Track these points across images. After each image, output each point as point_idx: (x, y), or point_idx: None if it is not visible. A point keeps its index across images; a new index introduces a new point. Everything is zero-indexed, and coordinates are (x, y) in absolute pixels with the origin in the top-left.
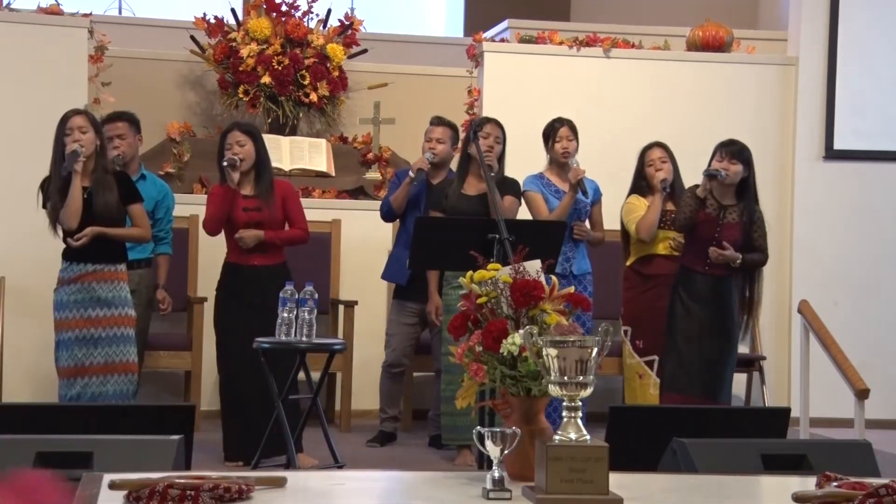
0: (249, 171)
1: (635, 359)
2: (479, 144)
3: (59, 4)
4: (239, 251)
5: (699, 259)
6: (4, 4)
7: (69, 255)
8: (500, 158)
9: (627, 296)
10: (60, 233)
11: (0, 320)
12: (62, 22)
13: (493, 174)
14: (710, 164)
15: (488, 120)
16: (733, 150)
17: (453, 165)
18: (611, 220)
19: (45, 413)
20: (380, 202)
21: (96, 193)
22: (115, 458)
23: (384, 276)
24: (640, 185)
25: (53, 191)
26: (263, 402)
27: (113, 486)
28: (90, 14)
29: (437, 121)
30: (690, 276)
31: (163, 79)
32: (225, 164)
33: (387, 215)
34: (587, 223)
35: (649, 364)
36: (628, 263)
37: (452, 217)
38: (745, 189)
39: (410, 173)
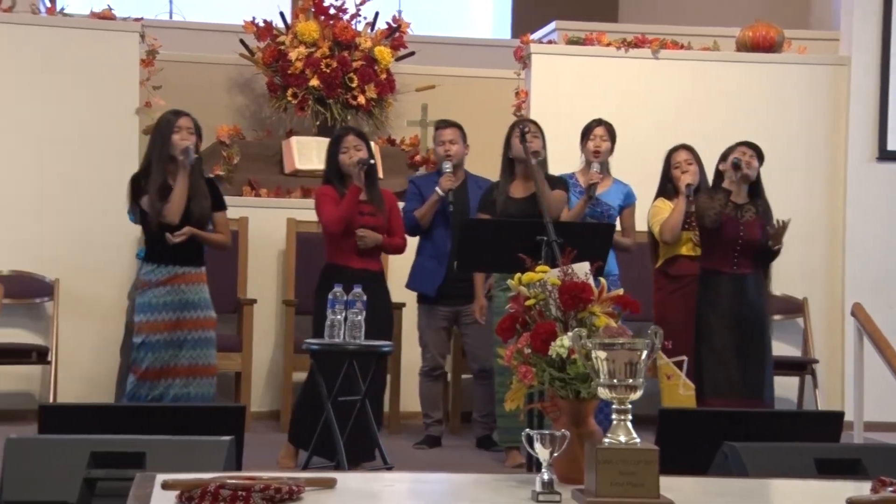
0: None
1: (664, 360)
2: (524, 140)
3: (111, 9)
4: (345, 253)
5: (725, 260)
6: (58, 10)
7: (156, 258)
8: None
9: (657, 297)
10: (125, 238)
11: (54, 322)
12: (114, 27)
13: (540, 159)
14: (722, 160)
15: (521, 120)
16: (753, 147)
17: (472, 168)
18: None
19: (98, 413)
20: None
21: (194, 197)
22: (168, 458)
23: (410, 286)
24: (667, 187)
25: (153, 187)
26: (343, 404)
27: (166, 486)
28: (141, 19)
29: (444, 123)
30: (716, 278)
31: (212, 82)
32: (371, 161)
33: (413, 230)
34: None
35: (678, 364)
36: (657, 266)
37: (500, 219)
38: (758, 186)
39: (439, 191)
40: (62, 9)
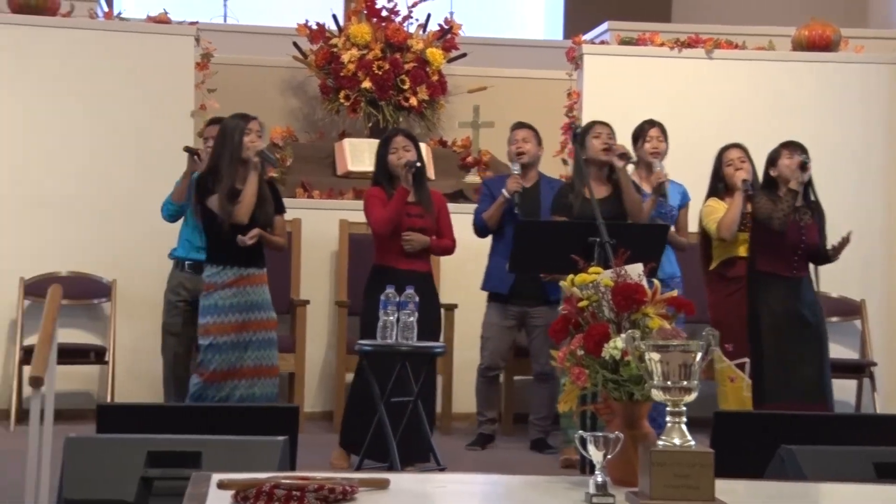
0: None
1: (725, 362)
2: (628, 159)
3: (166, 13)
4: (394, 255)
5: (784, 264)
6: (115, 14)
7: (221, 260)
8: None
9: (712, 300)
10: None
11: (112, 322)
12: (170, 31)
13: (633, 159)
14: (771, 165)
15: (595, 122)
16: (803, 149)
17: (549, 170)
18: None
19: (154, 413)
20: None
21: (260, 200)
22: (223, 457)
23: (485, 287)
24: (718, 187)
25: (222, 189)
26: (400, 405)
27: (221, 485)
28: (196, 22)
29: (519, 125)
30: (775, 281)
31: (266, 85)
32: (417, 163)
33: (481, 231)
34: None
35: (740, 367)
36: (711, 267)
37: (553, 221)
38: (809, 189)
39: (505, 193)
40: (119, 13)
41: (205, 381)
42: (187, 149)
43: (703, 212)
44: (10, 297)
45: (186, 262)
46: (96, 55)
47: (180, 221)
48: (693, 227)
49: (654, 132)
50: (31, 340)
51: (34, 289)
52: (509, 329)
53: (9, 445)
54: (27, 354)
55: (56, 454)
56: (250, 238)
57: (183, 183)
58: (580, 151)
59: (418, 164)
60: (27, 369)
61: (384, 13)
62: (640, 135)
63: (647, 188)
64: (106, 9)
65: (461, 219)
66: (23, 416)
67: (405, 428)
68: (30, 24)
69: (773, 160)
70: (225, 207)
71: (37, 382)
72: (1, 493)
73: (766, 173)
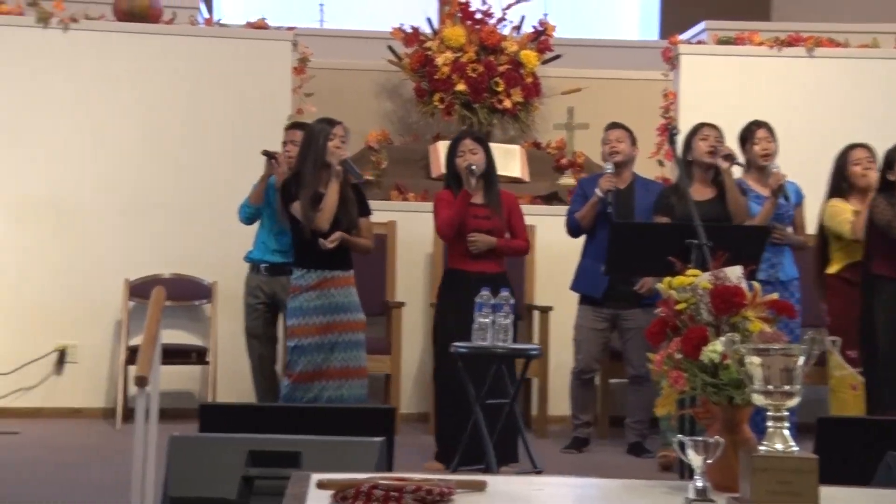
0: (479, 179)
1: (847, 370)
2: (733, 161)
3: (265, 19)
4: (464, 257)
5: None
6: (215, 21)
7: (306, 262)
8: None
9: (833, 304)
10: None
11: (213, 323)
12: (268, 36)
13: (739, 161)
14: (888, 168)
15: (703, 124)
16: None
17: (644, 172)
18: (813, 225)
19: (255, 413)
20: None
21: (342, 204)
22: (321, 458)
23: (575, 288)
24: (841, 186)
25: (305, 194)
26: (489, 407)
27: (321, 485)
28: (294, 28)
29: (613, 125)
30: (891, 285)
31: (362, 88)
32: (473, 167)
33: (574, 231)
34: (789, 227)
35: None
36: (833, 271)
37: (649, 222)
38: None
39: (598, 192)
40: (219, 20)
41: (293, 383)
42: (265, 152)
43: (826, 212)
44: (116, 299)
45: (262, 265)
46: (196, 61)
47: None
48: (813, 227)
49: (761, 133)
50: (135, 341)
51: (138, 290)
52: (601, 332)
53: (115, 443)
54: (132, 354)
55: (160, 452)
56: (330, 242)
57: (259, 186)
58: (685, 153)
59: (472, 168)
60: (132, 369)
61: (478, 16)
62: (748, 137)
63: (763, 191)
64: (206, 15)
65: (556, 221)
66: (128, 414)
67: (497, 430)
68: (134, 31)
69: (890, 162)
70: (307, 213)
71: (142, 382)
72: (108, 489)
73: (884, 176)
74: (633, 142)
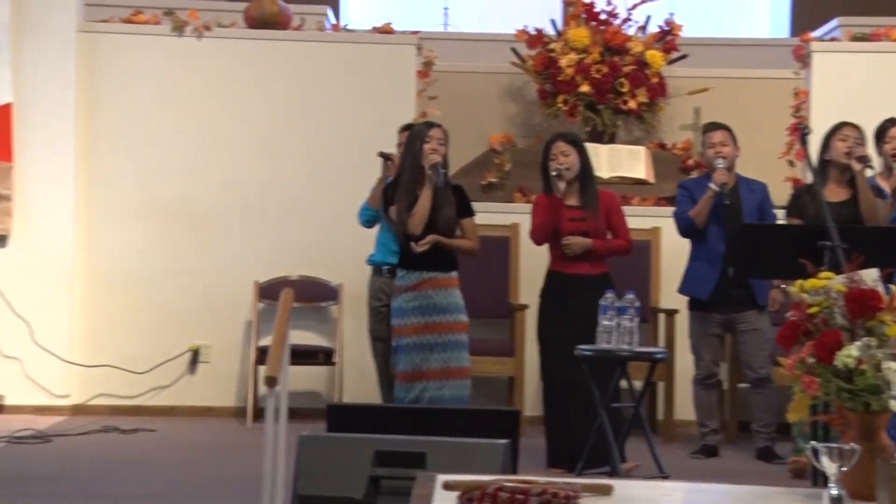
0: (574, 181)
1: None
2: (866, 162)
3: (390, 24)
4: (563, 260)
5: None
6: (342, 26)
7: (406, 264)
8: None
9: None
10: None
11: (339, 325)
12: (393, 40)
13: (870, 162)
14: None
15: (844, 123)
16: None
17: (749, 171)
18: None
19: (381, 414)
20: None
21: (439, 206)
22: (447, 459)
23: (682, 291)
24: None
25: (401, 197)
26: (586, 410)
27: (447, 486)
28: (418, 32)
29: (713, 126)
30: None
31: (485, 91)
32: (553, 174)
33: (687, 231)
34: None
35: None
36: None
37: (779, 224)
38: None
39: (713, 186)
40: (346, 25)
41: (398, 382)
42: (381, 154)
43: None
44: (246, 300)
45: (384, 267)
46: (323, 66)
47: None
48: None
49: (894, 131)
50: (265, 341)
51: (267, 292)
52: (715, 336)
53: (246, 441)
54: (262, 354)
55: (289, 450)
56: (420, 246)
57: (378, 188)
58: (823, 152)
59: (553, 174)
60: (262, 369)
61: (603, 16)
62: (881, 135)
63: (888, 189)
64: (334, 21)
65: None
66: (258, 413)
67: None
68: (264, 37)
69: None
70: (401, 216)
71: (272, 382)
72: (240, 486)
73: None
74: (735, 141)
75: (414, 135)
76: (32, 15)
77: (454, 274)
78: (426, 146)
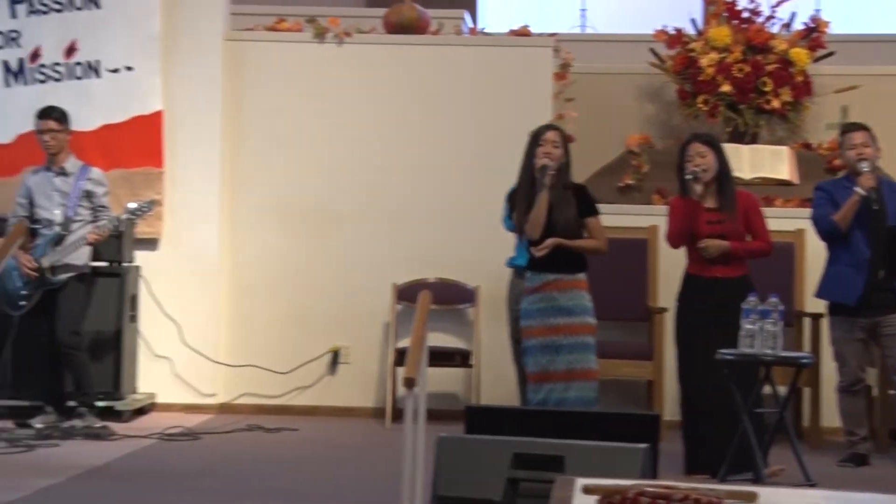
0: (711, 182)
1: None
2: None
3: (527, 26)
4: (701, 262)
5: None
6: (479, 29)
7: (532, 266)
8: None
9: None
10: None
11: (476, 327)
12: (529, 43)
13: None
14: None
15: None
16: None
17: None
18: None
19: (518, 416)
20: None
21: (557, 208)
22: (585, 462)
23: (823, 295)
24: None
25: (520, 202)
26: (726, 415)
27: (587, 490)
28: (555, 34)
29: (853, 126)
30: None
31: (622, 92)
32: (688, 176)
33: (830, 235)
34: None
35: None
36: None
37: None
38: None
39: (860, 191)
40: (482, 28)
41: (529, 384)
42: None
43: None
44: (385, 302)
45: (523, 270)
46: (460, 69)
47: None
48: None
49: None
50: (403, 343)
51: (405, 294)
52: (860, 341)
53: (385, 442)
54: (400, 356)
55: (428, 452)
56: (539, 251)
57: None
58: None
59: (688, 176)
60: (400, 370)
61: (745, 14)
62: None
63: None
64: (471, 25)
65: None
66: (397, 414)
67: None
68: (402, 42)
69: None
70: (520, 220)
71: (410, 383)
72: (379, 486)
73: None
74: (876, 142)
75: (531, 138)
76: (181, 26)
77: (581, 276)
78: (539, 149)
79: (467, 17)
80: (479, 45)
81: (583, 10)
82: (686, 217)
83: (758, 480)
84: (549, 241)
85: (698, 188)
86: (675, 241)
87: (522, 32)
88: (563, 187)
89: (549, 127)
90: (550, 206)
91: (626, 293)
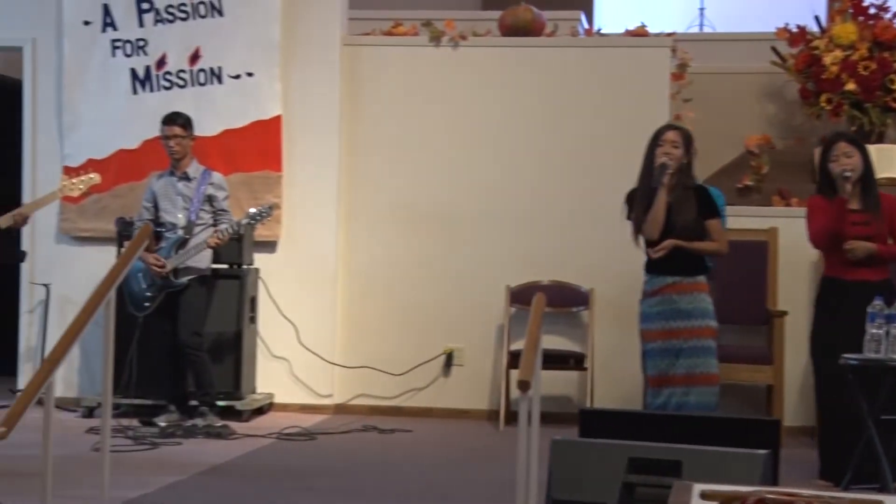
0: (856, 183)
1: None
2: None
3: (644, 26)
4: (842, 265)
5: None
6: (595, 30)
7: (651, 268)
8: None
9: None
10: (642, 244)
11: (590, 330)
12: (646, 43)
13: None
14: None
15: None
16: None
17: None
18: None
19: (633, 420)
20: None
21: (676, 209)
22: (703, 468)
23: None
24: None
25: (638, 202)
26: (858, 422)
27: (704, 496)
28: (673, 33)
29: None
30: None
31: (742, 92)
32: (847, 174)
33: None
34: None
35: None
36: None
37: None
38: None
39: None
40: (599, 29)
41: (648, 387)
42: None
43: None
44: (498, 304)
45: None
46: (576, 70)
47: None
48: None
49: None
50: (516, 345)
51: (519, 297)
52: None
53: (499, 444)
54: (514, 359)
55: (542, 454)
56: (656, 252)
57: None
58: None
59: (846, 173)
60: (514, 373)
61: (872, 10)
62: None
63: None
64: (586, 26)
65: None
66: (510, 416)
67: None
68: (518, 44)
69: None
70: (638, 220)
71: (524, 386)
72: (494, 488)
73: None
74: None
75: (653, 136)
76: (300, 32)
77: (701, 278)
78: (658, 149)
79: (583, 17)
80: (594, 46)
81: (701, 8)
82: (833, 217)
83: (884, 490)
84: (667, 243)
85: (848, 187)
86: (820, 242)
87: (639, 32)
88: (683, 188)
89: (669, 127)
90: (669, 207)
91: (745, 296)
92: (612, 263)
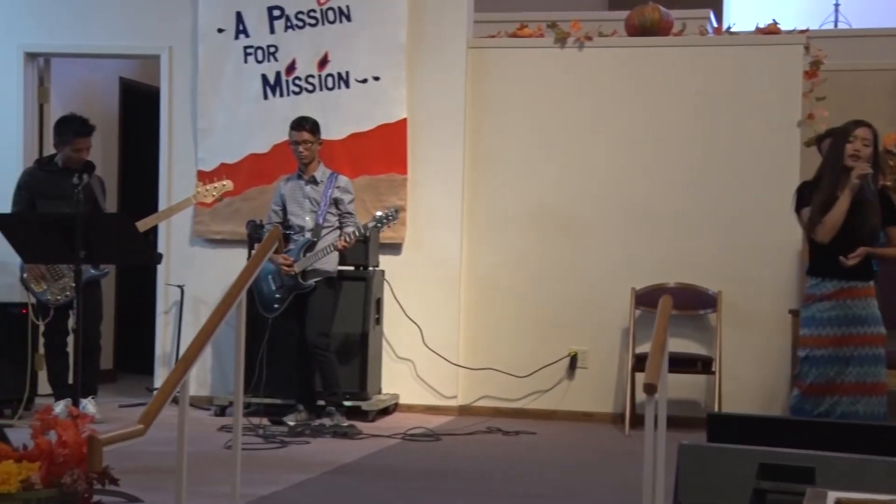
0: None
1: None
2: None
3: (776, 23)
4: None
5: None
6: (724, 29)
7: (822, 271)
8: None
9: None
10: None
11: (718, 333)
12: (778, 41)
13: None
14: None
15: None
16: None
17: None
18: None
19: (764, 425)
20: None
21: (860, 213)
22: (838, 475)
23: None
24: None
25: (817, 199)
26: None
27: None
28: (806, 30)
29: None
30: None
31: (878, 89)
32: (864, 175)
33: None
34: None
35: None
36: None
37: None
38: None
39: None
40: (728, 27)
41: (802, 394)
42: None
43: None
44: (623, 307)
45: None
46: (705, 70)
47: None
48: None
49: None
50: (642, 348)
51: (644, 299)
52: None
53: (625, 448)
54: (639, 361)
55: (669, 458)
56: (851, 259)
57: None
58: None
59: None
60: (639, 376)
61: None
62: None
63: None
64: (716, 24)
65: None
66: (636, 420)
67: None
68: (645, 45)
69: None
70: (813, 219)
71: (651, 389)
72: (619, 492)
73: None
74: None
75: (837, 134)
76: (426, 35)
77: (872, 283)
78: (848, 146)
79: (712, 15)
80: (724, 44)
81: (836, 4)
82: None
83: None
84: (861, 250)
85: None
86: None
87: (771, 30)
88: (869, 193)
89: (860, 123)
90: (855, 212)
91: (886, 299)
92: (740, 265)
